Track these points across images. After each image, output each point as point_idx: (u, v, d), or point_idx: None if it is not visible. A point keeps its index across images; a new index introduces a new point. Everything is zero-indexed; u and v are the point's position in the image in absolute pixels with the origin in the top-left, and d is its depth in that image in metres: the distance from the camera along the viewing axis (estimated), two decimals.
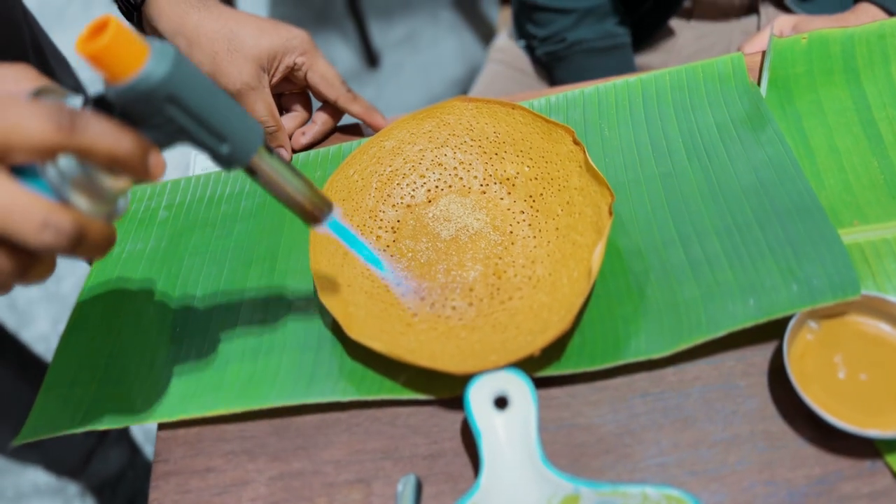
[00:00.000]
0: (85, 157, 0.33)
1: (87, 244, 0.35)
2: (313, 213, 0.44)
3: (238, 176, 0.65)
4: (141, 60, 0.33)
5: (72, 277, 1.65)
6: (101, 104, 0.35)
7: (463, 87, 1.82)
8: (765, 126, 0.56)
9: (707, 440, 0.46)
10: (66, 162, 0.34)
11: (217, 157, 0.39)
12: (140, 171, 0.36)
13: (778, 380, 0.47)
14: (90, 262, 0.65)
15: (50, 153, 0.32)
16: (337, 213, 0.45)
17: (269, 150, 0.41)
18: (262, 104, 0.60)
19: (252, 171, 0.41)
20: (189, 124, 0.36)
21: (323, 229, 0.45)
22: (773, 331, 0.48)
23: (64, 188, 0.34)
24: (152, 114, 0.35)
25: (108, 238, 0.37)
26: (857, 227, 0.51)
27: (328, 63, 0.64)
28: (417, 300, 0.54)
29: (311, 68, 0.63)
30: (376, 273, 0.55)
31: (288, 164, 0.42)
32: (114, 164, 0.34)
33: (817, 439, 0.45)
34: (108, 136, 0.33)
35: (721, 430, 0.46)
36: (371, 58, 1.89)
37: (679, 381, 0.48)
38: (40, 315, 1.60)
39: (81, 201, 0.35)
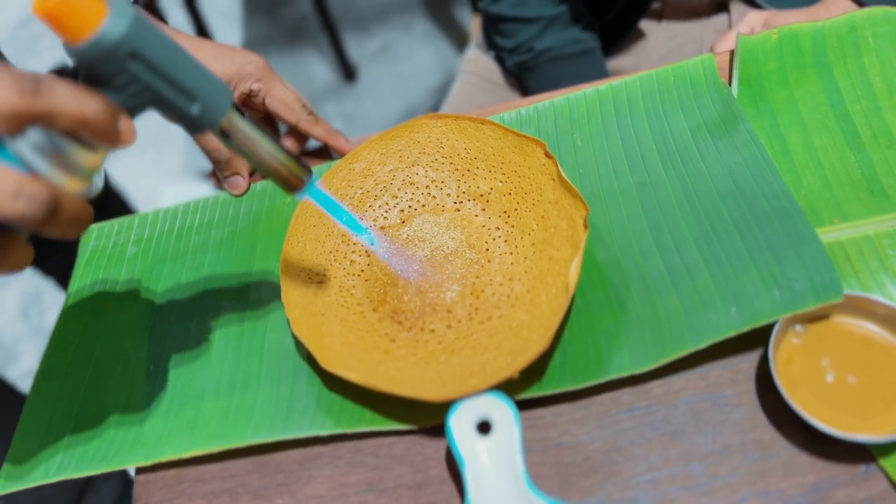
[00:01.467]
0: (51, 122, 0.32)
1: (62, 217, 0.33)
2: (291, 179, 0.43)
3: (207, 206, 0.63)
4: (100, 17, 0.33)
5: (55, 309, 1.63)
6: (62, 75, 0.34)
7: (442, 96, 1.81)
8: (738, 128, 0.55)
9: (697, 453, 0.45)
10: (34, 134, 0.33)
11: (187, 121, 0.38)
12: (110, 136, 0.34)
13: (766, 386, 0.46)
14: (64, 284, 0.63)
15: (15, 121, 0.31)
16: (316, 180, 0.44)
17: (241, 112, 0.40)
18: None
19: (225, 134, 0.40)
20: (155, 82, 0.35)
21: (303, 197, 0.44)
22: (758, 336, 0.47)
23: (34, 161, 0.33)
24: (116, 73, 0.34)
25: (83, 213, 0.35)
26: (838, 225, 0.50)
27: (287, 87, 0.63)
28: (413, 274, 0.54)
29: (269, 94, 0.61)
30: (363, 242, 0.55)
31: (262, 128, 0.41)
32: (82, 129, 0.33)
33: (809, 446, 0.44)
34: (73, 98, 0.32)
35: (711, 441, 0.45)
36: (348, 71, 1.88)
37: (665, 393, 0.47)
38: (26, 351, 1.58)
39: (54, 174, 0.34)
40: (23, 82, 0.31)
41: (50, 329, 1.59)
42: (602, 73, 0.83)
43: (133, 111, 0.36)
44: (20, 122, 0.31)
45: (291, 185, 0.44)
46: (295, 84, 1.92)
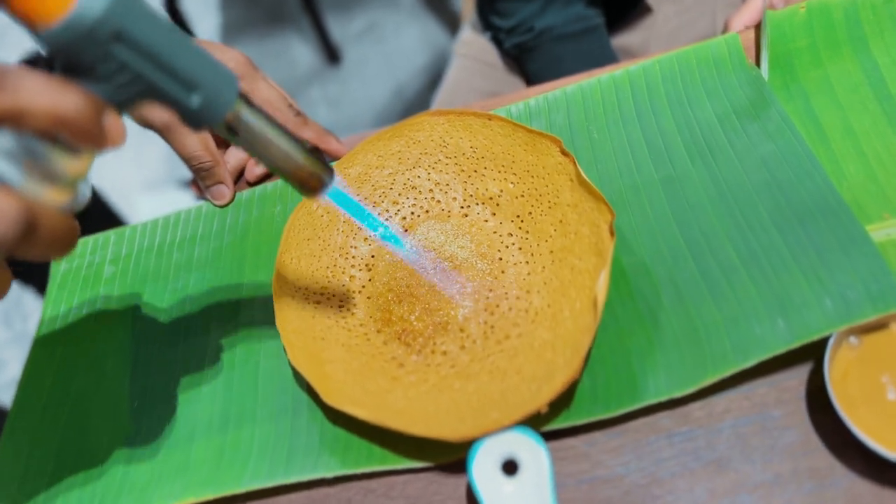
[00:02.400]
0: (21, 123, 0.27)
1: (40, 237, 0.28)
2: (309, 180, 0.37)
3: (189, 219, 0.58)
4: None
5: (38, 314, 1.57)
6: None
7: (432, 76, 1.75)
8: (770, 113, 0.50)
9: (746, 484, 0.40)
10: (3, 139, 0.27)
11: (187, 115, 0.33)
12: (94, 137, 0.29)
13: (818, 405, 0.42)
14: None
15: None
16: (338, 181, 0.39)
17: (249, 102, 0.35)
18: (194, 138, 0.53)
19: (232, 129, 0.34)
20: (147, 69, 0.30)
21: (323, 200, 0.39)
22: (805, 347, 0.42)
23: (4, 169, 0.28)
24: (98, 59, 0.29)
25: (66, 230, 0.30)
26: (888, 220, 0.46)
27: (271, 85, 0.57)
28: (451, 282, 0.49)
29: (252, 93, 0.56)
30: (394, 250, 0.49)
31: (275, 121, 0.36)
32: (60, 129, 0.28)
33: (871, 473, 0.39)
34: (47, 93, 0.27)
35: (760, 470, 0.41)
36: (332, 53, 1.81)
37: (707, 416, 0.43)
38: (11, 358, 1.52)
39: (29, 185, 0.28)
40: None
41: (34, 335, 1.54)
42: (608, 53, 0.77)
43: (121, 106, 0.31)
44: None
45: (310, 187, 0.38)
46: (277, 69, 1.85)
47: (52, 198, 0.29)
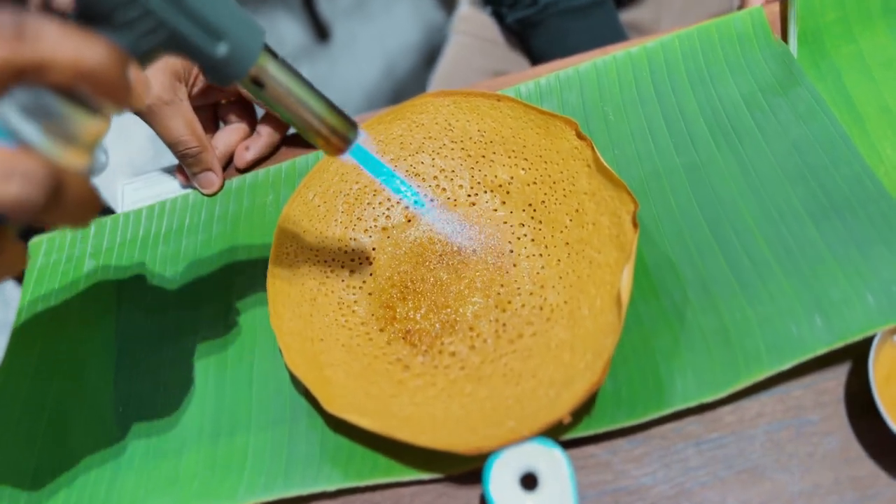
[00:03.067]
0: (42, 76, 0.25)
1: (66, 201, 0.26)
2: (333, 139, 0.37)
3: (175, 208, 0.54)
4: None
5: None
6: None
7: (425, 54, 1.70)
8: (801, 93, 0.47)
9: (782, 495, 0.37)
10: (21, 94, 0.25)
11: (212, 66, 0.31)
12: (119, 92, 0.27)
13: (859, 409, 0.39)
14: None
15: None
16: (363, 137, 0.38)
17: (274, 53, 0.33)
18: (180, 121, 0.49)
19: (258, 83, 0.33)
20: (171, 15, 0.29)
21: (347, 158, 0.38)
22: (843, 346, 0.39)
23: (25, 129, 0.25)
24: (121, 4, 0.28)
25: (91, 196, 0.28)
26: None
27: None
28: (473, 241, 0.47)
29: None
30: (417, 211, 0.48)
31: (299, 73, 0.35)
32: (82, 84, 0.25)
33: None
34: (69, 41, 0.25)
35: (798, 479, 0.38)
36: (320, 30, 1.76)
37: (738, 421, 0.40)
38: None
39: (49, 145, 0.26)
40: (1, 24, 0.24)
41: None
42: (616, 28, 0.73)
43: (143, 58, 0.29)
44: (1, 78, 0.24)
45: (333, 146, 0.37)
46: None
47: (70, 161, 0.27)
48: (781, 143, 0.45)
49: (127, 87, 0.27)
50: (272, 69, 0.34)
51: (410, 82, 1.67)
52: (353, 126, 0.37)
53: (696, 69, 0.50)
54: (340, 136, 0.37)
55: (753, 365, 0.39)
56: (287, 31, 1.80)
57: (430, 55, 1.70)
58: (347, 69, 1.73)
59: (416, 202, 0.46)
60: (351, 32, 1.79)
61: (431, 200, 0.48)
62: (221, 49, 0.31)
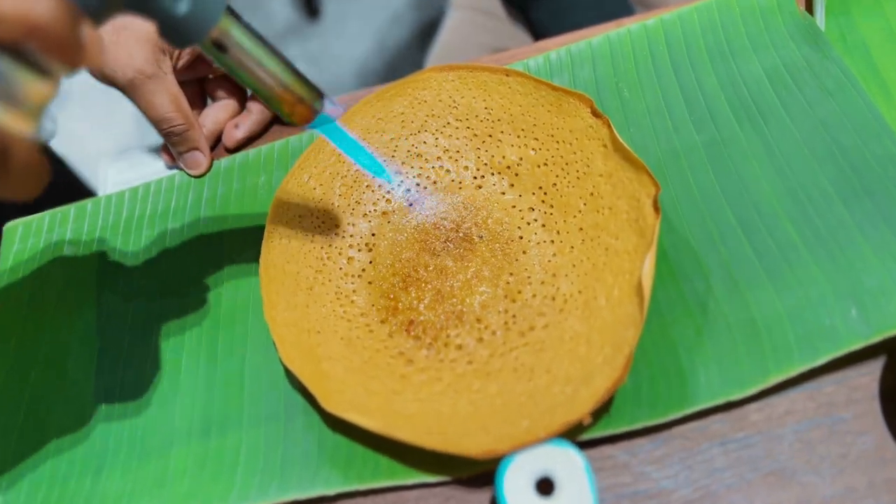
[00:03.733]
0: None
1: (14, 167, 0.24)
2: (298, 107, 0.35)
3: (160, 190, 0.51)
4: None
5: None
6: None
7: (420, 31, 1.66)
8: (829, 68, 0.44)
9: (813, 499, 0.35)
10: None
11: (171, 26, 0.29)
12: (69, 50, 0.24)
13: (895, 406, 0.36)
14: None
15: None
16: (330, 107, 0.36)
17: (237, 16, 0.31)
18: (164, 96, 0.46)
19: (220, 46, 0.32)
20: None
21: (313, 129, 0.37)
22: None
23: None
24: None
25: (38, 164, 0.25)
26: None
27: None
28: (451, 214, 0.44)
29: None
30: (392, 193, 0.46)
31: (262, 36, 0.33)
32: (31, 40, 0.23)
33: None
34: None
35: (830, 482, 0.35)
36: (310, 7, 1.71)
37: (766, 419, 0.37)
38: None
39: None
40: None
41: None
42: (622, 2, 0.70)
43: (97, 15, 0.26)
44: None
45: (299, 115, 0.35)
46: (252, 24, 1.74)
47: (14, 125, 0.24)
48: (808, 120, 0.42)
49: (79, 45, 0.24)
50: (235, 32, 0.32)
51: (404, 60, 1.63)
52: (319, 95, 0.35)
53: (715, 43, 0.47)
54: (306, 104, 0.35)
55: (783, 359, 0.36)
56: (276, 8, 1.75)
57: (423, 32, 1.66)
58: (340, 48, 1.68)
59: (386, 178, 0.43)
60: (341, 9, 1.74)
61: (406, 180, 0.46)
62: (182, 6, 0.29)
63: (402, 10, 1.70)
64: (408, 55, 1.64)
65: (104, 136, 1.55)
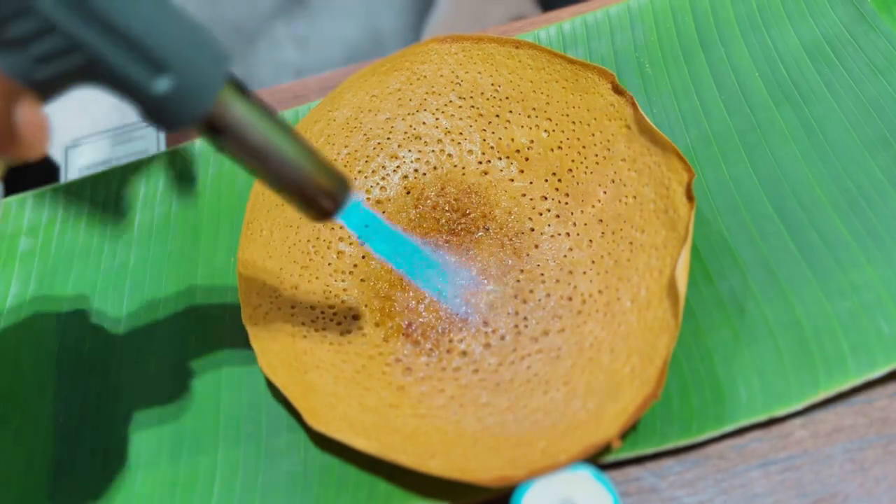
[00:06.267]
0: None
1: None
2: (320, 199, 0.28)
3: (127, 177, 0.45)
4: None
5: None
6: None
7: (414, 10, 1.60)
8: (877, 42, 0.39)
9: None
10: None
11: (150, 106, 0.23)
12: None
13: None
14: None
15: None
16: (357, 196, 0.29)
17: (241, 88, 0.24)
18: None
19: (217, 131, 0.24)
20: (87, 32, 0.20)
21: (338, 223, 0.30)
22: None
23: None
24: (14, 14, 0.20)
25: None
26: None
27: None
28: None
29: None
30: (447, 306, 0.37)
31: (274, 113, 0.26)
32: None
33: None
34: None
35: None
36: None
37: (812, 437, 0.33)
38: None
39: None
40: None
41: None
42: None
43: (46, 88, 0.21)
44: None
45: (319, 209, 0.28)
46: (237, 5, 1.69)
47: None
48: (855, 103, 0.38)
49: (9, 133, 0.19)
50: (237, 112, 0.25)
51: (396, 41, 1.58)
52: (344, 183, 0.28)
53: (748, 15, 0.42)
54: (329, 196, 0.28)
55: (836, 370, 0.32)
56: None
57: (418, 11, 1.60)
58: (329, 29, 1.62)
59: (442, 296, 0.36)
60: None
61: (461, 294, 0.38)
62: (161, 85, 0.22)
63: None
64: (400, 36, 1.58)
65: (78, 123, 1.49)
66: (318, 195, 0.27)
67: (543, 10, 0.69)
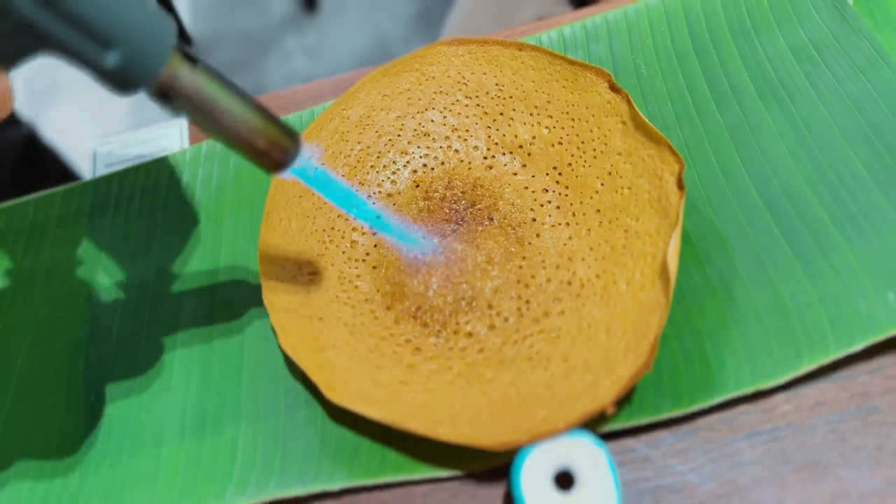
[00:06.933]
0: None
1: None
2: (271, 152, 0.30)
3: (150, 171, 0.48)
4: None
5: None
6: None
7: (419, 22, 1.63)
8: (859, 43, 0.42)
9: (850, 493, 0.33)
10: None
11: (102, 75, 0.25)
12: None
13: None
14: None
15: None
16: (308, 150, 0.31)
17: (188, 55, 0.27)
18: None
19: (166, 95, 0.27)
20: (37, 14, 0.22)
21: (289, 175, 0.32)
22: None
23: None
24: None
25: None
26: None
27: None
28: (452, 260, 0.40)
29: None
30: (391, 242, 0.41)
31: (221, 76, 0.29)
32: None
33: None
34: None
35: (867, 476, 0.33)
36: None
37: (796, 410, 0.35)
38: None
39: None
40: None
41: None
42: None
43: (6, 60, 0.24)
44: None
45: (272, 161, 0.31)
46: (248, 17, 1.72)
47: None
48: (838, 100, 0.40)
49: None
50: (185, 78, 0.27)
51: (403, 51, 1.60)
52: (292, 137, 0.31)
53: (738, 20, 0.45)
54: (279, 148, 0.30)
55: (817, 346, 0.34)
56: (273, 1, 1.73)
57: (426, 23, 1.64)
58: (338, 41, 1.66)
59: (381, 226, 0.39)
60: (340, 1, 1.72)
61: (392, 216, 0.42)
62: (110, 59, 0.25)
63: (399, 2, 1.68)
64: (408, 46, 1.61)
65: (95, 127, 1.52)
66: (269, 149, 0.30)
67: (575, 8, 0.71)
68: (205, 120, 0.29)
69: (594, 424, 0.34)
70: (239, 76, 1.60)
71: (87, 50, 0.24)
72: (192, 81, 0.27)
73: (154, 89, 0.27)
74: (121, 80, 0.26)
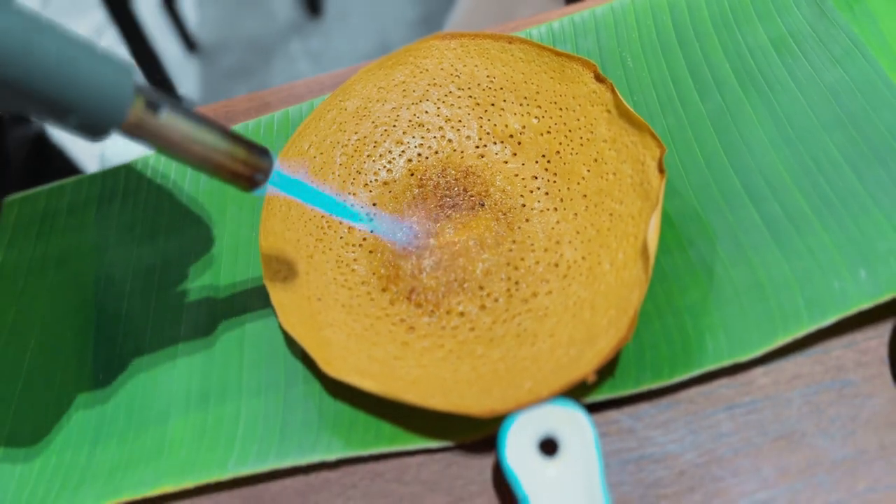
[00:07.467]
0: None
1: None
2: (243, 173, 0.32)
3: (159, 162, 0.50)
4: None
5: None
6: None
7: (421, 26, 1.66)
8: (836, 35, 0.43)
9: (823, 461, 0.34)
10: None
11: (71, 130, 0.28)
12: None
13: None
14: None
15: None
16: (279, 164, 0.33)
17: (149, 100, 0.28)
18: None
19: (135, 136, 0.29)
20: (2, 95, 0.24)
21: (268, 191, 0.35)
22: (886, 302, 0.36)
23: None
24: None
25: None
26: None
27: None
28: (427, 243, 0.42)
29: None
30: (361, 227, 0.43)
31: (188, 111, 0.30)
32: None
33: None
34: None
35: (840, 445, 0.35)
36: (312, 4, 1.71)
37: (773, 383, 0.36)
38: None
39: None
40: None
41: None
42: None
43: None
44: None
45: (246, 180, 0.33)
46: (254, 22, 1.75)
47: None
48: (815, 89, 0.42)
49: None
50: (149, 120, 0.29)
51: None
52: (263, 153, 0.33)
53: (720, 13, 0.47)
54: (251, 168, 0.32)
55: (792, 321, 0.35)
56: (277, 6, 1.76)
57: (426, 26, 1.66)
58: (342, 45, 1.68)
59: (358, 219, 0.41)
60: (343, 5, 1.74)
61: (376, 212, 0.44)
62: (72, 120, 0.27)
63: (403, 7, 1.70)
64: None
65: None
66: (242, 170, 0.32)
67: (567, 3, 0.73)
68: (175, 152, 0.30)
69: (578, 395, 0.36)
70: (244, 80, 1.62)
71: (48, 115, 0.27)
72: (155, 122, 0.29)
73: (122, 132, 0.29)
74: (87, 132, 0.28)
